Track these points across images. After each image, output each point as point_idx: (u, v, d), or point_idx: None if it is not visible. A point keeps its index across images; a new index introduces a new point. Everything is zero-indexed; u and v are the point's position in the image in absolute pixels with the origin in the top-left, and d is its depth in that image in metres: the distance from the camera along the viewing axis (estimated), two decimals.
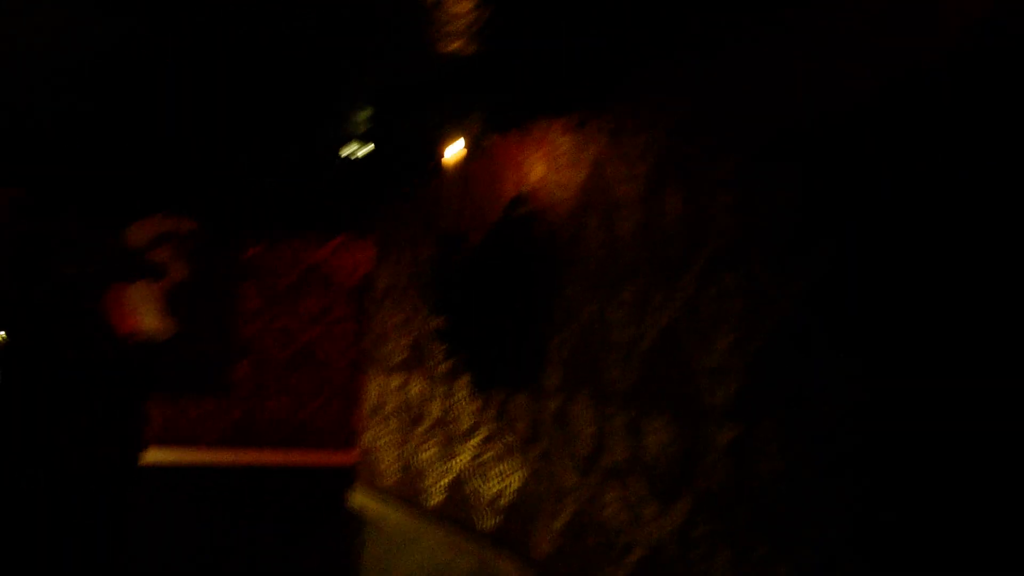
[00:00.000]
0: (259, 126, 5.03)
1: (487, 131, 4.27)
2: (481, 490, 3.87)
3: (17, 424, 5.38)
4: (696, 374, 2.49)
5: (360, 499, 5.23)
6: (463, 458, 4.08)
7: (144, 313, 6.12)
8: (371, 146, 4.98)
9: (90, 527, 4.84)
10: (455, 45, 3.30)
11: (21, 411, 5.44)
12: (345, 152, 4.83)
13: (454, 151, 4.55)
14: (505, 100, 4.10)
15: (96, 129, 5.50)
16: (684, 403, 2.53)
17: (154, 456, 5.63)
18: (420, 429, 4.75)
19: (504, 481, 3.68)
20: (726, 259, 2.42)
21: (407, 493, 4.83)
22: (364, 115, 4.70)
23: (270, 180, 6.08)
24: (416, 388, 4.92)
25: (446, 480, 4.25)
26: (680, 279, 2.63)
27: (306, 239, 6.49)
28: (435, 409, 4.56)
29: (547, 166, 3.65)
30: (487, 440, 3.87)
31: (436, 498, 4.37)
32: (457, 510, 4.11)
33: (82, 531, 4.85)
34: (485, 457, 3.86)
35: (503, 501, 3.67)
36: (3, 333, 5.59)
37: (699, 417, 2.45)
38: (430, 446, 4.52)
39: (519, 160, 3.92)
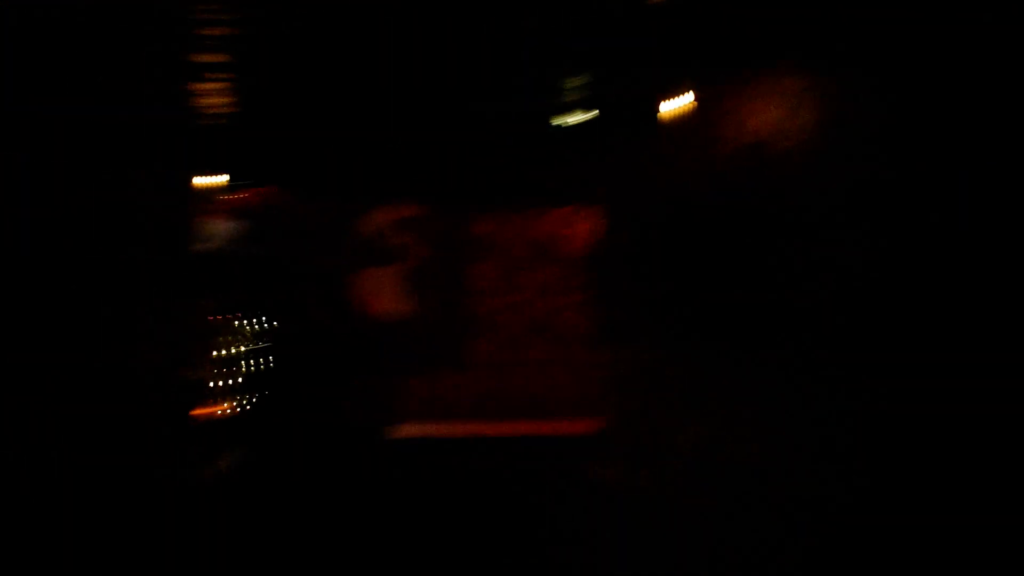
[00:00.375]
0: (485, 101, 5.04)
1: (709, 82, 3.95)
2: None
3: (287, 401, 5.91)
4: None
5: (600, 467, 5.15)
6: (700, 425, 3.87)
7: (387, 295, 6.44)
8: (593, 112, 4.82)
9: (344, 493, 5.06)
10: None
11: (290, 389, 5.98)
12: (568, 120, 4.72)
13: (675, 107, 4.26)
14: (729, 45, 3.76)
15: (336, 122, 5.81)
16: None
17: (408, 430, 5.93)
18: (659, 396, 4.59)
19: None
20: None
21: (651, 463, 4.67)
22: (584, 80, 4.55)
23: (498, 155, 6.12)
24: (651, 355, 4.75)
25: (690, 446, 4.06)
26: None
27: (535, 212, 6.49)
28: (672, 375, 4.37)
29: (778, 112, 3.29)
30: (726, 406, 3.62)
31: (677, 464, 4.20)
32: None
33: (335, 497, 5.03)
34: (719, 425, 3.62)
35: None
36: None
37: None
38: (670, 413, 4.35)
39: (746, 109, 3.58)
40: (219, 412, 5.62)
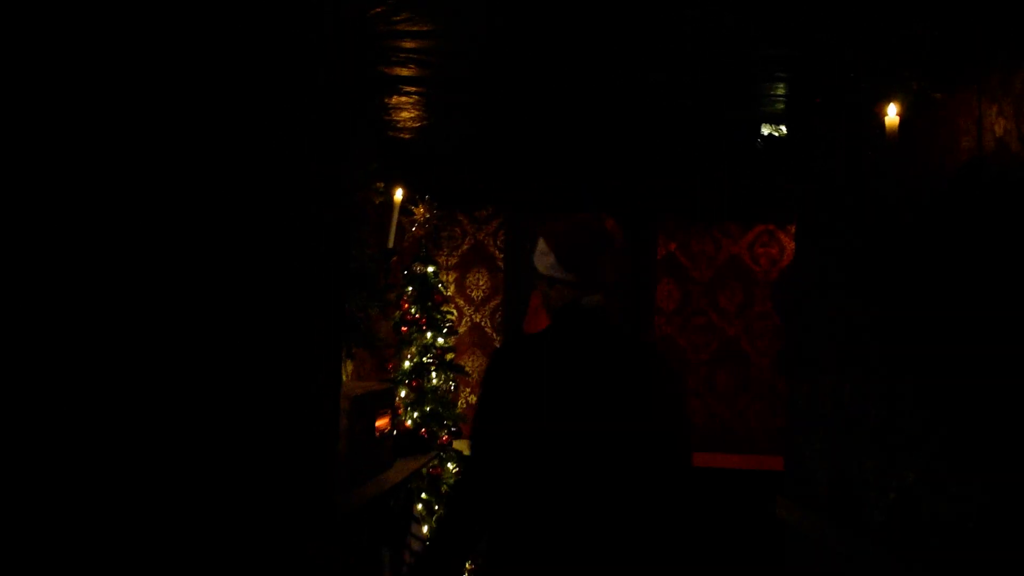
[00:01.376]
0: (677, 112, 4.78)
1: (930, 86, 3.49)
2: (938, 513, 3.14)
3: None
4: None
5: (786, 509, 4.71)
6: (910, 472, 3.37)
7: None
8: (785, 128, 4.45)
9: None
10: None
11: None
12: (766, 133, 4.38)
13: (886, 116, 3.82)
14: (955, 42, 3.30)
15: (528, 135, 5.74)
16: None
17: None
18: (855, 435, 4.11)
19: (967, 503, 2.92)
20: None
21: (841, 507, 4.20)
22: (784, 89, 4.19)
23: (688, 170, 5.82)
24: (850, 388, 4.27)
25: (891, 496, 3.57)
26: None
27: (725, 230, 6.13)
28: (874, 412, 3.88)
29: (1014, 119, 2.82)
30: (941, 451, 3.13)
31: (878, 516, 3.70)
32: (905, 533, 3.41)
33: None
34: (939, 472, 3.12)
35: (971, 527, 2.91)
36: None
37: None
38: (868, 454, 3.86)
39: (971, 116, 3.11)
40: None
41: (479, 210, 6.38)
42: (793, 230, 5.98)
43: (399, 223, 5.39)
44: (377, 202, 4.90)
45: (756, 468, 5.73)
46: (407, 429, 5.51)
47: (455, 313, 6.40)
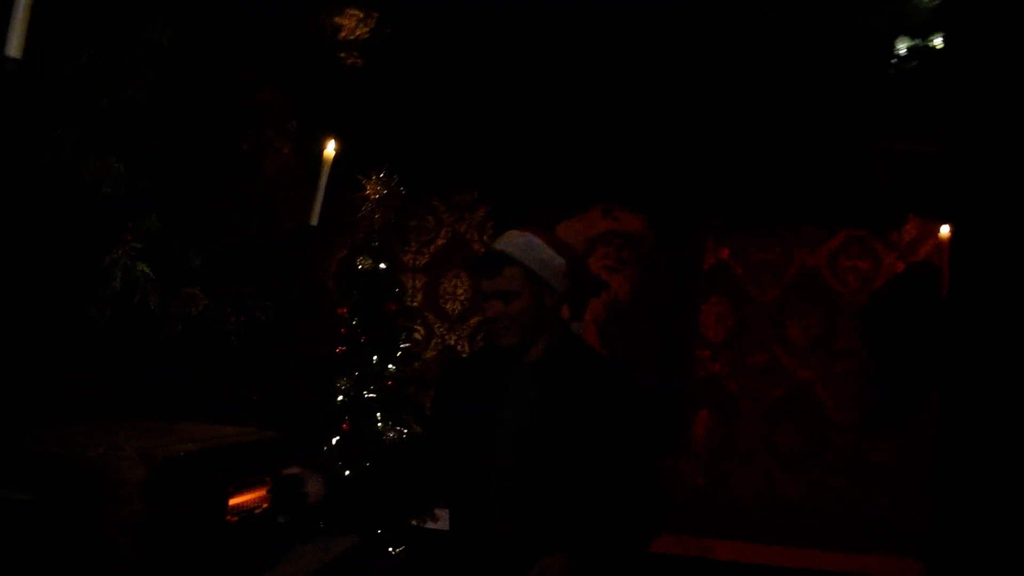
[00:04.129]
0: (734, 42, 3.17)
1: None
2: None
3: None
4: None
5: None
6: None
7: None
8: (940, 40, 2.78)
9: None
10: None
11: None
12: (903, 50, 2.73)
13: None
14: None
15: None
16: None
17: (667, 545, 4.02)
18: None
19: None
20: None
21: None
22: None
23: (747, 141, 4.19)
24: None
25: None
26: None
27: (798, 233, 4.43)
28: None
29: None
30: None
31: None
32: None
33: None
34: None
35: None
36: None
37: None
38: None
39: None
40: None
41: (460, 193, 4.71)
42: (894, 237, 4.29)
43: (342, 200, 3.78)
44: (287, 152, 3.27)
45: (830, 570, 4.02)
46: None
47: (421, 331, 4.70)
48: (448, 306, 4.66)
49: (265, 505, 2.03)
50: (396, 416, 4.01)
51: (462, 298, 4.66)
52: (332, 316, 4.00)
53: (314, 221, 3.50)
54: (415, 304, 4.68)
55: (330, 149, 3.53)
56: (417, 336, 4.66)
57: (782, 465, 4.30)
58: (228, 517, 1.87)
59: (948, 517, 2.93)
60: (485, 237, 4.67)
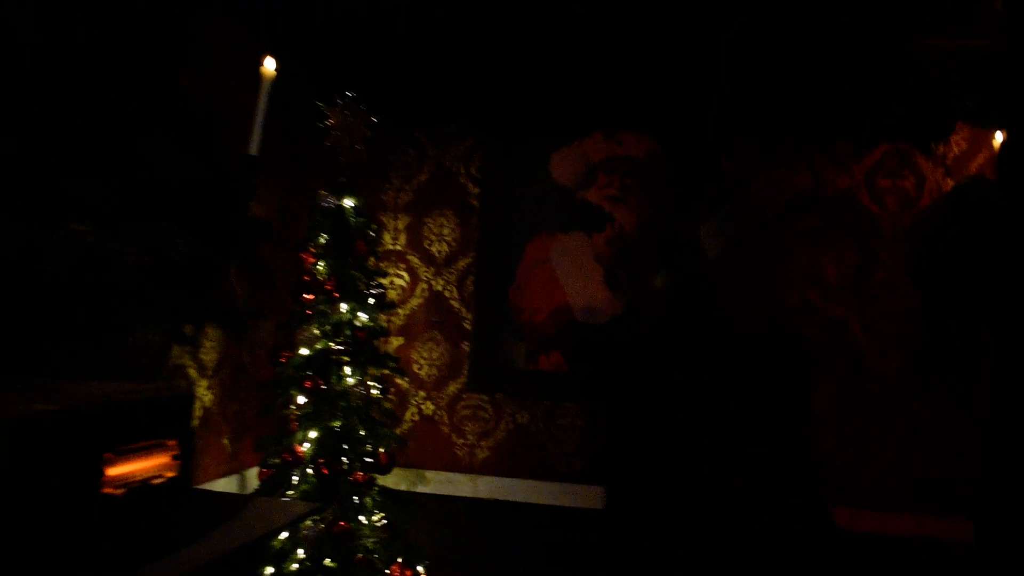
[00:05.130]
0: None
1: None
2: None
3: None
4: None
5: None
6: None
7: (577, 282, 4.07)
8: None
9: None
10: None
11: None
12: None
13: None
14: None
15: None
16: None
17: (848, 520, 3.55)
18: None
19: None
20: None
21: None
22: None
23: (763, 62, 3.61)
24: None
25: None
26: None
27: (829, 153, 3.85)
28: None
29: None
30: None
31: None
32: None
33: None
34: None
35: None
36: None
37: None
38: None
39: None
40: None
41: (445, 124, 4.20)
42: (942, 150, 3.69)
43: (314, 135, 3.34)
44: (232, 73, 2.83)
45: (868, 530, 3.50)
46: (299, 458, 3.41)
47: (405, 277, 4.23)
48: (434, 248, 4.18)
49: (169, 474, 1.57)
50: (365, 369, 3.56)
51: (449, 239, 4.17)
52: (296, 261, 3.55)
53: (253, 150, 3.04)
54: (397, 247, 4.20)
55: (269, 65, 3.05)
56: (401, 282, 4.20)
57: (818, 417, 3.76)
58: (107, 489, 1.41)
59: (999, 474, 2.40)
60: (472, 170, 4.16)
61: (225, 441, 3.78)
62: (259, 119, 2.96)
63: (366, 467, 3.41)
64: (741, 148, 3.91)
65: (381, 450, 3.51)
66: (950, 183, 3.66)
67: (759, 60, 3.82)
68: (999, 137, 3.32)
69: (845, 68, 3.72)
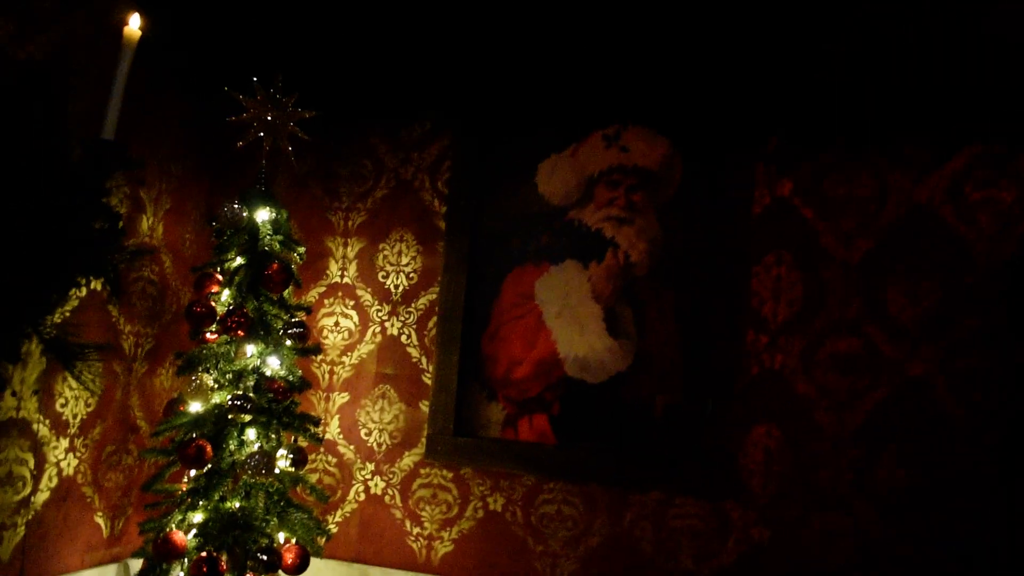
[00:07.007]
0: None
1: None
2: None
3: None
4: None
5: None
6: None
7: (569, 326, 3.18)
8: None
9: None
10: None
11: None
12: None
13: None
14: None
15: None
16: None
17: None
18: None
19: None
20: None
21: None
22: None
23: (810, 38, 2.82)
24: None
25: None
26: None
27: (897, 155, 2.93)
28: None
29: None
30: None
31: None
32: None
33: None
34: None
35: None
36: None
37: None
38: None
39: None
40: None
41: (407, 125, 3.37)
42: None
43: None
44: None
45: None
46: (178, 550, 2.58)
47: (354, 318, 3.37)
48: (390, 281, 3.31)
49: None
50: (278, 432, 2.71)
51: (408, 269, 3.29)
52: (198, 287, 2.73)
53: (107, 134, 2.25)
54: (345, 280, 3.34)
55: (134, 24, 2.27)
56: (349, 324, 3.33)
57: (883, 511, 2.78)
58: None
59: None
60: (440, 183, 3.30)
61: (99, 520, 2.91)
62: (117, 95, 2.17)
63: (264, 567, 2.51)
64: (780, 149, 3.02)
65: (292, 542, 2.62)
66: None
67: (807, 36, 2.99)
68: None
69: (911, 46, 2.86)
